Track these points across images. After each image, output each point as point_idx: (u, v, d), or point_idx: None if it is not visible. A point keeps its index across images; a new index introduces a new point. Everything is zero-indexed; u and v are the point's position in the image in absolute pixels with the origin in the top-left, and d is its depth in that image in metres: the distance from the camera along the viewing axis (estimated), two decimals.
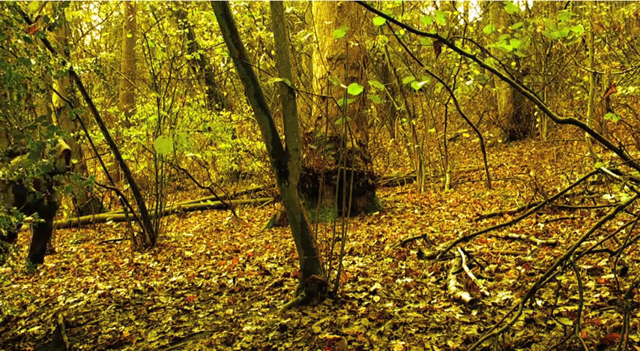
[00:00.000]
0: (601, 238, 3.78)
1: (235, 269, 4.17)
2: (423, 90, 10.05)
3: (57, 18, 3.47)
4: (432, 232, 4.88)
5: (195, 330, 2.77)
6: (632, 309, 2.34)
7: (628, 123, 8.80)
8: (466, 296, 2.76)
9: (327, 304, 2.90)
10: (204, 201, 9.59)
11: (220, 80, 14.83)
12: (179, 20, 10.25)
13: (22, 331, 3.14)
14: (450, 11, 10.31)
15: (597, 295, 2.61)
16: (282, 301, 3.10)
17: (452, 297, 2.84)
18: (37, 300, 3.86)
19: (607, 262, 3.14)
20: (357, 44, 6.65)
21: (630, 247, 3.32)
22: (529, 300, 2.53)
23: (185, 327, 2.83)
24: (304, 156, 6.51)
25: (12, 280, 4.75)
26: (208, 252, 5.21)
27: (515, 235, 4.20)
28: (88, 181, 2.96)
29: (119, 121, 10.78)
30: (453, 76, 8.29)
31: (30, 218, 3.66)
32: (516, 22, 11.31)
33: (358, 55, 6.76)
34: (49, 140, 2.66)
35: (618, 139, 8.26)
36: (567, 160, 8.64)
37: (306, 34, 8.26)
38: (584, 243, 3.60)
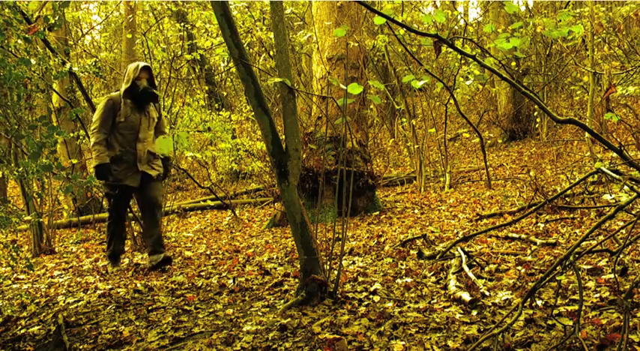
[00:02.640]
0: (601, 238, 3.78)
1: (235, 269, 4.17)
2: (422, 90, 10.06)
3: (57, 18, 3.46)
4: (432, 232, 4.88)
5: (196, 330, 2.76)
6: (632, 309, 2.34)
7: (628, 123, 8.80)
8: (466, 296, 2.76)
9: (327, 304, 2.90)
10: (204, 201, 9.58)
11: (220, 80, 14.82)
12: (177, 24, 10.26)
13: (22, 331, 3.14)
14: (449, 11, 10.32)
15: (597, 295, 2.61)
16: (282, 301, 3.10)
17: (452, 297, 2.84)
18: (37, 300, 3.86)
19: (607, 262, 3.14)
20: (357, 44, 6.65)
21: (630, 247, 3.33)
22: (529, 300, 2.53)
23: (185, 327, 2.83)
24: (304, 156, 6.50)
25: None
26: (208, 252, 5.21)
27: (515, 235, 4.20)
28: (87, 180, 2.96)
29: None
30: (453, 76, 8.29)
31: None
32: (516, 22, 11.31)
33: (358, 55, 6.76)
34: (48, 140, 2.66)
35: (618, 139, 8.26)
36: (567, 160, 8.64)
37: (306, 34, 8.26)
38: (584, 243, 3.60)
